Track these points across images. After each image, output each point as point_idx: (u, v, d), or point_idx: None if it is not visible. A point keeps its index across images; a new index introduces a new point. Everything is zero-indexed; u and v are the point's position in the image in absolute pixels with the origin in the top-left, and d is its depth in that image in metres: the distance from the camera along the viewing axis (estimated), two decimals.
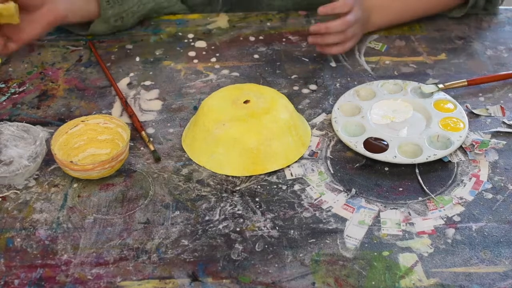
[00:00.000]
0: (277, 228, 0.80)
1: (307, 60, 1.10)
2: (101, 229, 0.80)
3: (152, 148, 0.91)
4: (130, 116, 0.97)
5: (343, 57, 1.10)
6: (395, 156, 0.88)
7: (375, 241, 0.78)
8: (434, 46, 1.12)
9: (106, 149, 0.91)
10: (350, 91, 1.00)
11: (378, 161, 0.89)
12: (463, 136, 0.90)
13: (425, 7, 1.15)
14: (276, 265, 0.76)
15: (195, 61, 1.10)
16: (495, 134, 0.94)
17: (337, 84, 1.04)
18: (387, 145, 0.90)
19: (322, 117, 0.97)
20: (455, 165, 0.89)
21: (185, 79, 1.06)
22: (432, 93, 0.99)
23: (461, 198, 0.84)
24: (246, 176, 0.88)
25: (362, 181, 0.87)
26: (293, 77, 1.06)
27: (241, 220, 0.81)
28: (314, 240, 0.79)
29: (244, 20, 1.20)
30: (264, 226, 0.81)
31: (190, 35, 1.16)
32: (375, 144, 0.90)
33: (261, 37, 1.15)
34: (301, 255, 0.77)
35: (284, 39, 1.15)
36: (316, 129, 0.95)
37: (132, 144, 0.93)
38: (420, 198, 0.84)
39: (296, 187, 0.86)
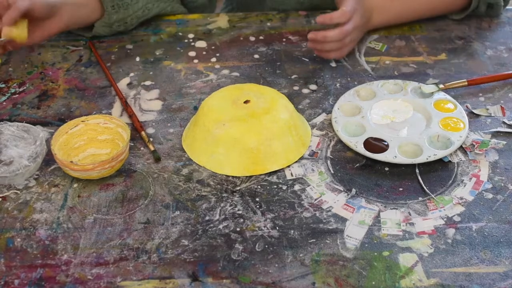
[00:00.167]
0: (277, 228, 0.80)
1: (307, 60, 1.10)
2: (101, 229, 0.80)
3: (152, 148, 0.91)
4: (130, 116, 0.97)
5: (343, 57, 1.10)
6: (395, 156, 0.88)
7: (375, 241, 0.78)
8: (434, 46, 1.12)
9: (106, 149, 0.91)
10: (350, 91, 1.00)
11: (378, 161, 0.89)
12: (463, 136, 0.90)
13: (425, 10, 1.15)
14: (276, 265, 0.76)
15: (195, 61, 1.10)
16: (495, 134, 0.94)
17: (337, 84, 1.04)
18: (387, 145, 0.90)
19: (322, 117, 0.97)
20: (455, 165, 0.89)
21: (185, 79, 1.06)
22: (432, 93, 0.99)
23: (461, 198, 0.84)
24: (246, 176, 0.88)
25: (362, 181, 0.87)
26: (293, 77, 1.06)
27: (241, 220, 0.81)
28: (314, 240, 0.79)
29: (244, 20, 1.20)
30: (264, 226, 0.81)
31: (190, 35, 1.16)
32: (375, 144, 0.90)
33: (261, 37, 1.16)
34: (301, 255, 0.77)
35: (284, 39, 1.15)
36: (316, 129, 0.95)
37: (132, 144, 0.93)
38: (420, 198, 0.84)
39: (296, 187, 0.86)
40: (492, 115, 0.97)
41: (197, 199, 0.84)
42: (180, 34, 1.17)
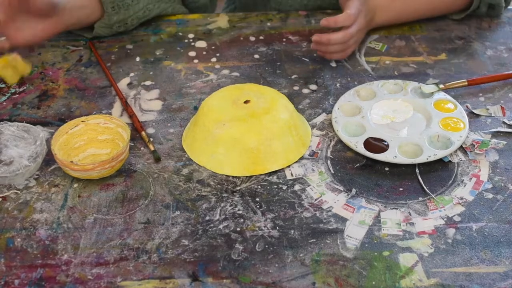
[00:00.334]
0: (277, 228, 0.80)
1: (308, 60, 1.10)
2: (102, 229, 0.80)
3: (152, 148, 0.91)
4: (130, 116, 0.97)
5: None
6: (395, 156, 0.88)
7: (375, 241, 0.78)
8: (434, 46, 1.12)
9: (106, 149, 0.91)
10: (351, 91, 1.00)
11: (378, 161, 0.89)
12: (464, 136, 0.90)
13: (425, 9, 1.15)
14: (277, 265, 0.76)
15: (196, 61, 1.10)
16: (496, 134, 0.94)
17: (338, 84, 1.04)
18: (387, 145, 0.90)
19: (322, 117, 0.97)
20: (456, 165, 0.89)
21: (186, 79, 1.06)
22: (433, 93, 0.99)
23: (461, 198, 0.84)
24: (247, 176, 0.88)
25: (362, 181, 0.87)
26: (293, 77, 1.06)
27: (242, 220, 0.81)
28: (314, 240, 0.79)
29: (244, 20, 1.20)
30: (265, 226, 0.81)
31: (191, 35, 1.16)
32: (375, 144, 0.90)
33: (261, 37, 1.16)
34: (301, 255, 0.77)
35: (284, 39, 1.15)
36: (317, 129, 0.95)
37: (132, 144, 0.93)
38: (420, 198, 0.84)
39: (297, 187, 0.86)
40: (492, 115, 0.97)
41: (197, 199, 0.84)
42: (180, 34, 1.17)
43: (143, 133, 0.94)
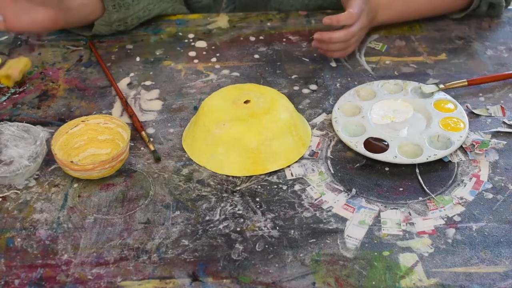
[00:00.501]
0: (277, 228, 0.80)
1: (308, 60, 1.10)
2: (102, 229, 0.81)
3: (152, 148, 0.91)
4: (130, 116, 0.97)
5: (344, 57, 1.10)
6: (396, 156, 0.88)
7: (375, 241, 0.78)
8: (434, 46, 1.12)
9: (107, 149, 0.91)
10: (351, 91, 1.00)
11: (379, 161, 0.89)
12: (464, 136, 0.90)
13: (426, 9, 1.15)
14: (277, 265, 0.76)
15: (196, 61, 1.10)
16: (496, 134, 0.94)
17: (338, 84, 1.04)
18: (387, 145, 0.90)
19: (322, 117, 0.97)
20: (456, 165, 0.89)
21: (186, 79, 1.06)
22: (433, 93, 0.99)
23: (461, 198, 0.84)
24: (247, 176, 0.88)
25: (362, 181, 0.87)
26: (293, 77, 1.06)
27: (242, 220, 0.81)
28: (314, 240, 0.79)
29: (244, 20, 1.20)
30: (265, 226, 0.81)
31: (191, 35, 1.16)
32: (375, 144, 0.90)
33: (261, 37, 1.15)
34: (301, 255, 0.77)
35: (284, 39, 1.15)
36: (317, 129, 0.95)
37: (133, 144, 0.93)
38: (420, 198, 0.84)
39: (297, 187, 0.86)
40: (492, 115, 0.97)
41: (197, 199, 0.84)
42: (180, 34, 1.17)
43: (143, 133, 0.94)
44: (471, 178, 0.87)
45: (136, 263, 0.76)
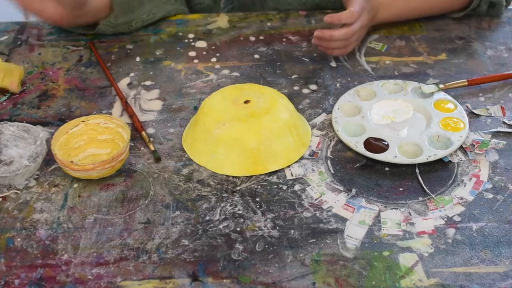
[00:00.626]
0: (277, 228, 0.80)
1: (308, 60, 1.10)
2: (102, 229, 0.81)
3: (152, 148, 0.91)
4: (131, 116, 0.97)
5: (344, 57, 1.10)
6: (396, 156, 0.88)
7: (375, 241, 0.78)
8: (434, 46, 1.12)
9: (107, 149, 0.91)
10: (351, 91, 1.00)
11: (379, 161, 0.89)
12: (464, 136, 0.90)
13: (427, 8, 1.15)
14: (277, 265, 0.76)
15: (196, 61, 1.10)
16: (496, 134, 0.94)
17: (338, 84, 1.04)
18: (387, 145, 0.90)
19: (322, 117, 0.97)
20: (456, 165, 0.89)
21: (186, 79, 1.06)
22: (433, 93, 0.99)
23: (461, 198, 0.84)
24: (247, 176, 0.88)
25: (362, 181, 0.87)
26: (293, 77, 1.06)
27: (242, 220, 0.81)
28: (314, 240, 0.79)
29: (245, 20, 1.20)
30: (265, 226, 0.81)
31: (191, 35, 1.16)
32: (375, 144, 0.90)
33: (261, 37, 1.15)
34: (301, 255, 0.77)
35: (284, 39, 1.15)
36: (317, 129, 0.95)
37: (133, 144, 0.93)
38: (420, 198, 0.84)
39: (297, 187, 0.86)
40: (492, 115, 0.97)
41: (197, 199, 0.84)
42: (180, 34, 1.17)
43: (143, 133, 0.94)
44: (471, 178, 0.87)
45: (136, 263, 0.76)
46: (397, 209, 0.83)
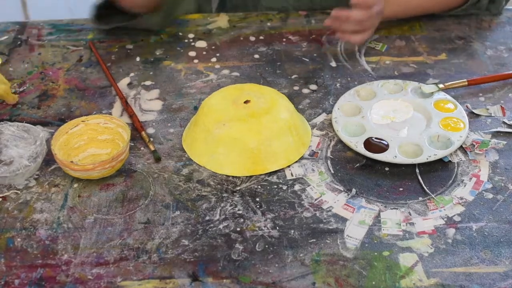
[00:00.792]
0: (277, 228, 0.80)
1: (308, 60, 1.10)
2: (102, 229, 0.81)
3: (152, 148, 0.91)
4: (131, 116, 0.97)
5: (344, 57, 1.10)
6: (396, 156, 0.88)
7: (375, 241, 0.78)
8: (434, 46, 1.12)
9: (107, 149, 0.91)
10: (351, 91, 1.00)
11: (379, 161, 0.89)
12: (464, 136, 0.90)
13: (431, 4, 1.15)
14: (277, 265, 0.76)
15: (196, 61, 1.10)
16: (496, 134, 0.94)
17: (338, 84, 1.04)
18: (387, 145, 0.90)
19: (322, 117, 0.97)
20: (456, 165, 0.89)
21: (186, 79, 1.06)
22: (433, 93, 0.99)
23: (461, 198, 0.84)
24: (247, 176, 0.88)
25: (362, 181, 0.87)
26: (293, 77, 1.06)
27: (242, 220, 0.81)
28: (314, 240, 0.79)
29: (245, 20, 1.20)
30: (265, 226, 0.81)
31: (191, 35, 1.16)
32: (375, 144, 0.90)
33: (261, 37, 1.16)
34: (301, 255, 0.77)
35: (284, 39, 1.15)
36: (317, 129, 0.95)
37: (133, 144, 0.93)
38: (420, 198, 0.84)
39: (297, 187, 0.86)
40: (492, 115, 0.97)
41: (197, 199, 0.84)
42: (180, 34, 1.17)
43: (143, 133, 0.94)
44: (471, 178, 0.87)
45: (136, 263, 0.76)
46: (397, 209, 0.83)
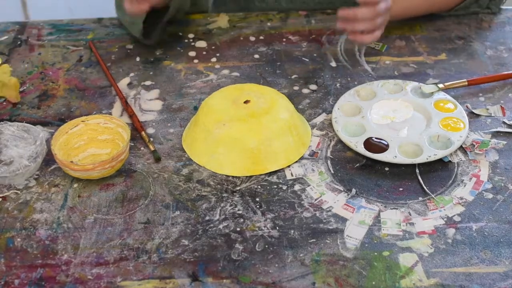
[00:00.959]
0: (277, 228, 0.80)
1: (307, 60, 1.10)
2: (102, 229, 0.81)
3: (152, 148, 0.91)
4: (130, 116, 0.97)
5: (344, 57, 1.10)
6: (395, 156, 0.88)
7: (375, 241, 0.78)
8: (434, 46, 1.12)
9: (107, 149, 0.91)
10: (351, 91, 1.00)
11: (378, 161, 0.89)
12: (463, 136, 0.90)
13: (436, 2, 1.15)
14: (277, 265, 0.76)
15: (196, 61, 1.10)
16: (495, 134, 0.94)
17: (337, 84, 1.04)
18: (387, 145, 0.90)
19: (322, 117, 0.97)
20: (456, 165, 0.89)
21: (186, 79, 1.06)
22: (432, 93, 0.99)
23: (461, 198, 0.84)
24: (246, 176, 0.88)
25: (362, 181, 0.87)
26: (293, 77, 1.06)
27: (242, 220, 0.81)
28: (314, 240, 0.79)
29: (245, 20, 1.20)
30: (265, 226, 0.81)
31: (191, 35, 1.16)
32: (375, 144, 0.90)
33: (261, 37, 1.15)
34: (301, 255, 0.77)
35: (284, 39, 1.15)
36: (317, 129, 0.95)
37: (132, 144, 0.93)
38: (420, 198, 0.84)
39: (297, 187, 0.86)
40: (492, 115, 0.97)
41: (197, 199, 0.84)
42: (180, 34, 1.17)
43: (143, 133, 0.94)
44: (471, 178, 0.87)
45: (136, 263, 0.76)
46: (397, 209, 0.83)
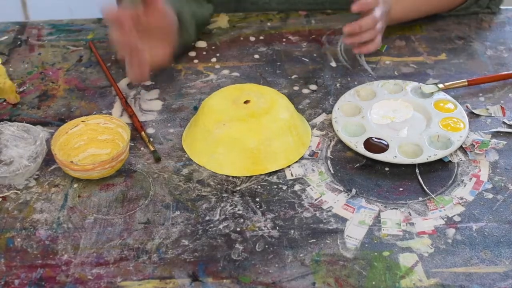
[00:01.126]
0: (277, 228, 0.80)
1: (307, 60, 1.10)
2: (102, 229, 0.81)
3: (152, 148, 0.91)
4: (130, 116, 0.97)
5: (344, 57, 1.10)
6: (395, 156, 0.88)
7: (375, 241, 0.78)
8: (434, 46, 1.12)
9: (107, 149, 0.91)
10: (350, 91, 1.00)
11: (378, 161, 0.89)
12: (464, 136, 0.90)
13: (438, 2, 1.15)
14: (277, 265, 0.76)
15: (196, 61, 1.10)
16: (496, 134, 0.94)
17: (337, 84, 1.04)
18: (387, 145, 0.90)
19: (322, 117, 0.97)
20: (456, 165, 0.89)
21: (186, 79, 1.06)
22: (432, 93, 0.99)
23: (461, 198, 0.84)
24: (247, 176, 0.88)
25: (362, 181, 0.87)
26: (293, 77, 1.06)
27: (242, 220, 0.81)
28: (314, 240, 0.79)
29: (245, 20, 1.20)
30: (265, 226, 0.81)
31: None
32: (375, 144, 0.90)
33: (261, 37, 1.15)
34: (301, 255, 0.77)
35: (284, 39, 1.15)
36: (317, 129, 0.95)
37: (132, 144, 0.93)
38: (420, 198, 0.84)
39: (297, 187, 0.86)
40: (492, 115, 0.97)
41: (197, 199, 0.84)
42: None
43: (143, 133, 0.94)
44: (471, 178, 0.87)
45: (136, 263, 0.76)
46: (397, 209, 0.83)
